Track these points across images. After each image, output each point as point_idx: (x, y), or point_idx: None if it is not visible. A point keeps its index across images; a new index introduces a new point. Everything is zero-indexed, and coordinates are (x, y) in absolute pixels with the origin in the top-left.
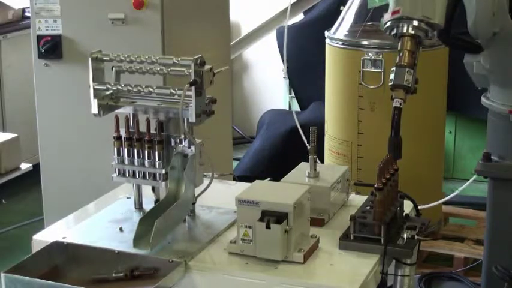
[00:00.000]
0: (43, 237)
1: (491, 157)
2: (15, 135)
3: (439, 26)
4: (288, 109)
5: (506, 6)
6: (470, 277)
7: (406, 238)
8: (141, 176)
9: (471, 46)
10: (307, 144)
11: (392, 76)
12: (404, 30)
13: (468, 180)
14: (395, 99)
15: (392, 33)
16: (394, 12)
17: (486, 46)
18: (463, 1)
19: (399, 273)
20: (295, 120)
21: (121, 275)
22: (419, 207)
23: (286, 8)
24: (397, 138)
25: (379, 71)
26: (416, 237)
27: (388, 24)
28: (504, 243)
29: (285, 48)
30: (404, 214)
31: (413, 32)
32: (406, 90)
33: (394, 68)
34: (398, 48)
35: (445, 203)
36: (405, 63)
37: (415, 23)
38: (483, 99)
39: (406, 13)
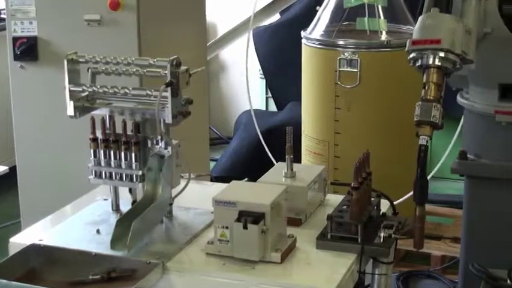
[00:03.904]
0: (20, 240)
1: (467, 155)
2: None
3: (471, 61)
4: (265, 109)
5: (497, 6)
6: (448, 275)
7: (383, 237)
8: (117, 177)
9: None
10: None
11: (417, 111)
12: (430, 62)
13: (445, 178)
14: (421, 137)
15: (417, 64)
16: (431, 42)
17: (475, 47)
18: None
19: (376, 272)
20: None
21: (98, 277)
22: (394, 203)
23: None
24: (424, 180)
25: (356, 70)
26: (393, 235)
27: (412, 55)
28: (480, 241)
29: (248, 52)
30: (381, 213)
31: (439, 64)
32: (433, 126)
33: (420, 103)
34: (424, 80)
35: None
36: (431, 98)
37: (442, 53)
38: (459, 99)
39: (447, 46)
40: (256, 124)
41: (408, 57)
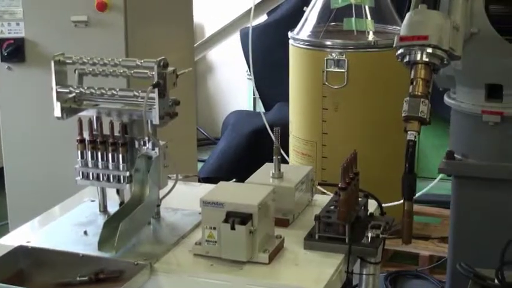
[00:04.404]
0: (7, 242)
1: (455, 155)
2: None
3: (459, 57)
4: (252, 110)
5: (483, 7)
6: (436, 275)
7: (371, 237)
8: (105, 178)
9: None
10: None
11: (405, 107)
12: (418, 58)
13: (432, 178)
14: (409, 132)
15: (405, 60)
16: (418, 38)
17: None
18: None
19: (364, 272)
20: (264, 120)
21: (86, 278)
22: (382, 206)
23: (250, 9)
24: (411, 176)
25: (343, 71)
26: (380, 236)
27: (400, 51)
28: (468, 241)
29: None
30: (368, 213)
31: (427, 60)
32: (421, 122)
33: (408, 98)
34: (411, 76)
35: None
36: (419, 93)
37: (429, 49)
38: (446, 99)
39: (434, 42)
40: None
41: (396, 54)
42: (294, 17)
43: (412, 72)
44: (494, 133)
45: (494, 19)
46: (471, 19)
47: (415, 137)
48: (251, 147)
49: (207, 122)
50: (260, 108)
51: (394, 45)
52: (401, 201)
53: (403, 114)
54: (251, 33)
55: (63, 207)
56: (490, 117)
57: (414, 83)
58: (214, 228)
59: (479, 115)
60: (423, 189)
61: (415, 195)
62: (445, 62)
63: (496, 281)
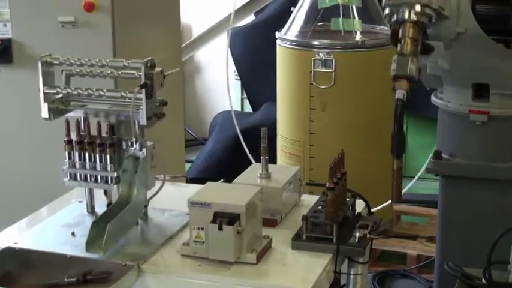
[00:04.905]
0: None
1: (442, 155)
2: None
3: (447, 18)
4: (240, 110)
5: (470, 6)
6: (424, 274)
7: (358, 237)
8: (92, 179)
9: (423, 47)
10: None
11: (394, 66)
12: (406, 16)
13: (420, 178)
14: (398, 91)
15: (392, 19)
16: None
17: (448, 47)
18: None
19: (352, 272)
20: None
21: (73, 279)
22: (372, 210)
23: (238, 10)
24: (401, 133)
25: (330, 71)
26: (368, 235)
27: (387, 10)
28: (456, 240)
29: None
30: (356, 213)
31: (415, 18)
32: (410, 80)
33: (396, 57)
34: (400, 35)
35: None
36: (408, 52)
37: (418, 7)
38: (434, 99)
39: (425, 0)
40: (236, 124)
41: (384, 14)
42: (281, 17)
43: (400, 31)
44: (481, 132)
45: (481, 19)
46: (458, 19)
47: (403, 95)
48: (239, 148)
49: (195, 122)
50: (248, 108)
51: (382, 5)
52: (389, 202)
53: (391, 73)
54: (230, 36)
55: (51, 208)
56: (477, 117)
57: (402, 42)
58: (202, 229)
59: (467, 115)
60: (410, 188)
61: (404, 153)
62: (434, 21)
63: (483, 280)
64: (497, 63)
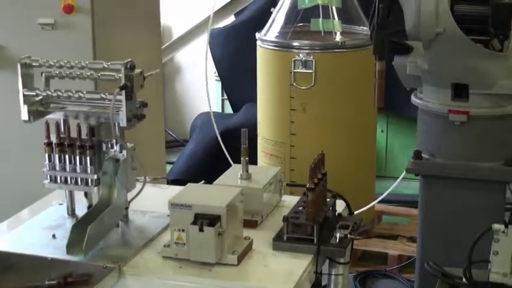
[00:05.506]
0: None
1: (422, 155)
2: None
3: None
4: (220, 111)
5: (448, 6)
6: (405, 274)
7: (339, 237)
8: (73, 181)
9: (401, 48)
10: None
11: None
12: None
13: (400, 178)
14: None
15: None
16: None
17: (427, 47)
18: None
19: (333, 273)
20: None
21: (54, 282)
22: (354, 212)
23: (218, 11)
24: (382, 32)
25: (311, 71)
26: (349, 236)
27: None
28: (436, 240)
29: (207, 53)
30: (336, 213)
31: None
32: None
33: None
34: None
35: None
36: None
37: None
38: (414, 99)
39: None
40: (215, 126)
41: None
42: (261, 18)
43: None
44: (460, 132)
45: (459, 19)
46: (436, 19)
47: None
48: (219, 149)
49: (176, 123)
50: (228, 109)
51: None
52: (372, 204)
53: None
54: (209, 37)
55: (31, 211)
56: (456, 117)
57: None
58: (183, 230)
59: (446, 114)
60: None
61: (385, 54)
62: None
63: (464, 279)
64: (477, 63)
